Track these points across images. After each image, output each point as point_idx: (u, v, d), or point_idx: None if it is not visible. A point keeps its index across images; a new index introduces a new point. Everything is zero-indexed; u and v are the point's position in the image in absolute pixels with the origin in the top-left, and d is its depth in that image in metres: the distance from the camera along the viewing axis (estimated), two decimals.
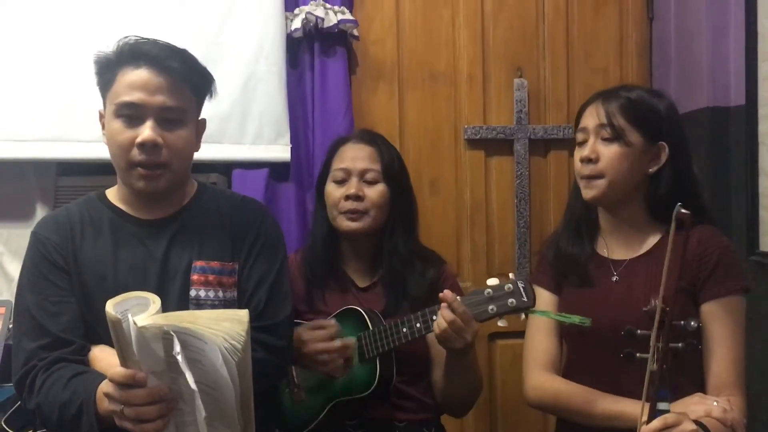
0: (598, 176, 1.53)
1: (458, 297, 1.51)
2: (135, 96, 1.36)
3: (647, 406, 1.20)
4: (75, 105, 2.10)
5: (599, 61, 2.52)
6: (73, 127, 2.11)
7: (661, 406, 1.19)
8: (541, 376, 1.61)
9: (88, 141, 2.09)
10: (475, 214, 2.48)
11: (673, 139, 1.54)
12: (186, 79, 1.41)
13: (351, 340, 1.64)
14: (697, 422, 1.26)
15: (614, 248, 1.60)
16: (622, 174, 1.52)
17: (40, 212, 2.19)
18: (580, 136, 1.59)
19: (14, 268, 2.19)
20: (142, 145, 1.36)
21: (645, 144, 1.52)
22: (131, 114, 1.37)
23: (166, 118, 1.38)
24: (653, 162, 1.54)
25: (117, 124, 1.38)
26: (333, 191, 1.77)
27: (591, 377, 1.54)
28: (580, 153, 1.57)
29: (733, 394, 1.43)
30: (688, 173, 1.56)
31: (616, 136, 1.52)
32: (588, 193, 1.56)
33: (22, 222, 2.21)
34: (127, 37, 1.41)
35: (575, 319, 1.44)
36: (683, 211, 1.14)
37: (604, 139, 1.53)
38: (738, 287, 1.48)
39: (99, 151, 2.05)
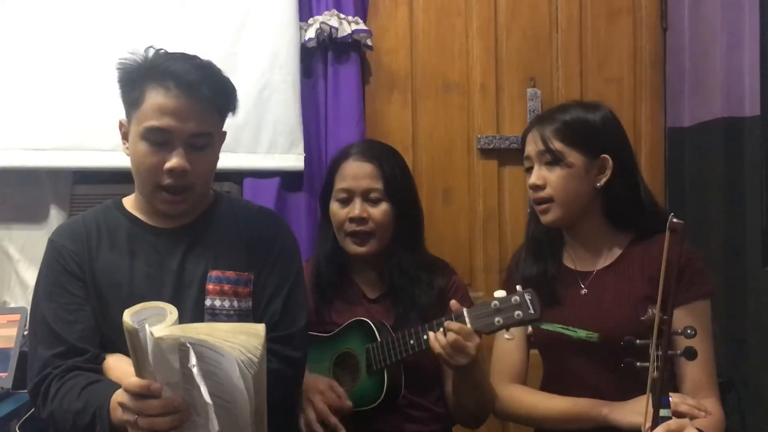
0: (549, 200, 1.56)
1: (465, 309, 1.51)
2: (165, 121, 1.35)
3: (651, 413, 1.21)
4: (91, 114, 2.12)
5: (613, 72, 2.51)
6: (89, 136, 2.13)
7: (663, 412, 1.20)
8: (509, 389, 1.64)
9: (103, 150, 2.11)
10: (487, 223, 2.48)
11: (615, 150, 1.57)
12: (215, 104, 1.41)
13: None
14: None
15: (580, 260, 1.63)
16: (571, 194, 1.55)
17: (56, 220, 2.21)
18: (526, 163, 1.63)
19: (29, 275, 2.21)
20: (171, 171, 1.36)
21: (587, 161, 1.55)
22: (160, 138, 1.36)
23: (194, 144, 1.39)
24: (600, 175, 1.57)
25: (144, 147, 1.37)
26: (337, 211, 1.76)
27: (569, 388, 1.57)
28: (528, 182, 1.61)
29: (709, 396, 1.47)
30: (637, 180, 1.59)
31: (556, 160, 1.55)
32: (545, 218, 1.59)
33: (38, 230, 2.23)
34: (155, 50, 1.41)
35: (582, 333, 1.45)
36: (676, 220, 1.15)
37: (547, 164, 1.56)
38: (704, 292, 1.51)
39: (115, 159, 2.09)
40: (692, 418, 1.32)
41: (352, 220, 1.72)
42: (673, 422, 1.20)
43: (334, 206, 1.77)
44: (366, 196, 1.74)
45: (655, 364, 1.18)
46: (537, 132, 1.58)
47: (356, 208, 1.73)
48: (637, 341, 1.22)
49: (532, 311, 1.46)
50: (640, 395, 1.42)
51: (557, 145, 1.55)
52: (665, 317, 1.18)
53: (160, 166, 1.37)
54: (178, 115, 1.35)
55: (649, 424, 1.21)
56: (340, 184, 1.76)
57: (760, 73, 2.14)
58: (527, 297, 1.46)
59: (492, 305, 1.49)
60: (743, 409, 1.91)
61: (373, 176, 1.74)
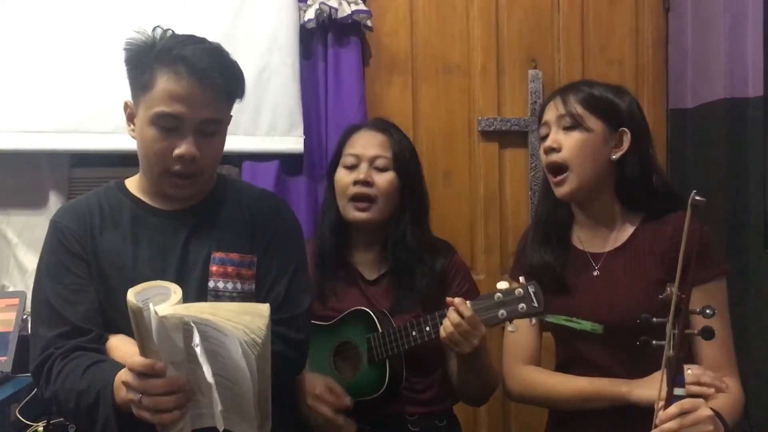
0: (563, 167, 1.55)
1: (467, 301, 1.50)
2: (175, 108, 1.33)
3: (664, 391, 1.21)
4: (89, 96, 2.10)
5: (615, 53, 2.50)
6: (87, 119, 2.11)
7: (678, 391, 1.20)
8: (525, 370, 1.63)
9: (102, 132, 2.10)
10: (488, 206, 2.47)
11: (634, 127, 1.56)
12: (226, 91, 1.40)
13: (352, 426, 1.63)
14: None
15: (591, 241, 1.62)
16: (586, 160, 1.54)
17: (54, 203, 2.20)
18: (543, 131, 1.62)
19: (28, 259, 2.20)
20: (181, 158, 1.36)
21: (606, 130, 1.55)
22: (170, 124, 1.35)
23: (204, 131, 1.38)
24: (616, 148, 1.56)
25: (153, 132, 1.36)
26: (343, 177, 1.77)
27: (583, 370, 1.56)
28: (543, 145, 1.60)
29: (728, 375, 1.47)
30: (651, 161, 1.59)
31: (576, 123, 1.54)
32: (560, 190, 1.58)
33: (36, 213, 2.22)
34: (162, 30, 1.38)
35: (587, 325, 1.44)
36: (699, 198, 1.13)
37: (565, 128, 1.56)
38: (719, 272, 1.50)
39: (113, 142, 2.08)
40: (707, 398, 1.30)
41: (356, 182, 1.73)
42: (687, 401, 1.21)
43: (341, 173, 1.78)
44: (372, 163, 1.76)
45: (672, 342, 1.17)
46: (559, 99, 1.58)
47: (362, 172, 1.74)
48: (654, 319, 1.22)
49: (536, 304, 1.45)
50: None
51: (579, 109, 1.54)
52: (683, 296, 1.17)
53: (170, 151, 1.35)
54: (189, 102, 1.34)
55: (662, 403, 1.21)
56: (349, 150, 1.79)
57: (763, 53, 2.14)
58: (531, 289, 1.45)
59: (495, 297, 1.48)
60: (746, 393, 1.91)
61: (382, 145, 1.77)
